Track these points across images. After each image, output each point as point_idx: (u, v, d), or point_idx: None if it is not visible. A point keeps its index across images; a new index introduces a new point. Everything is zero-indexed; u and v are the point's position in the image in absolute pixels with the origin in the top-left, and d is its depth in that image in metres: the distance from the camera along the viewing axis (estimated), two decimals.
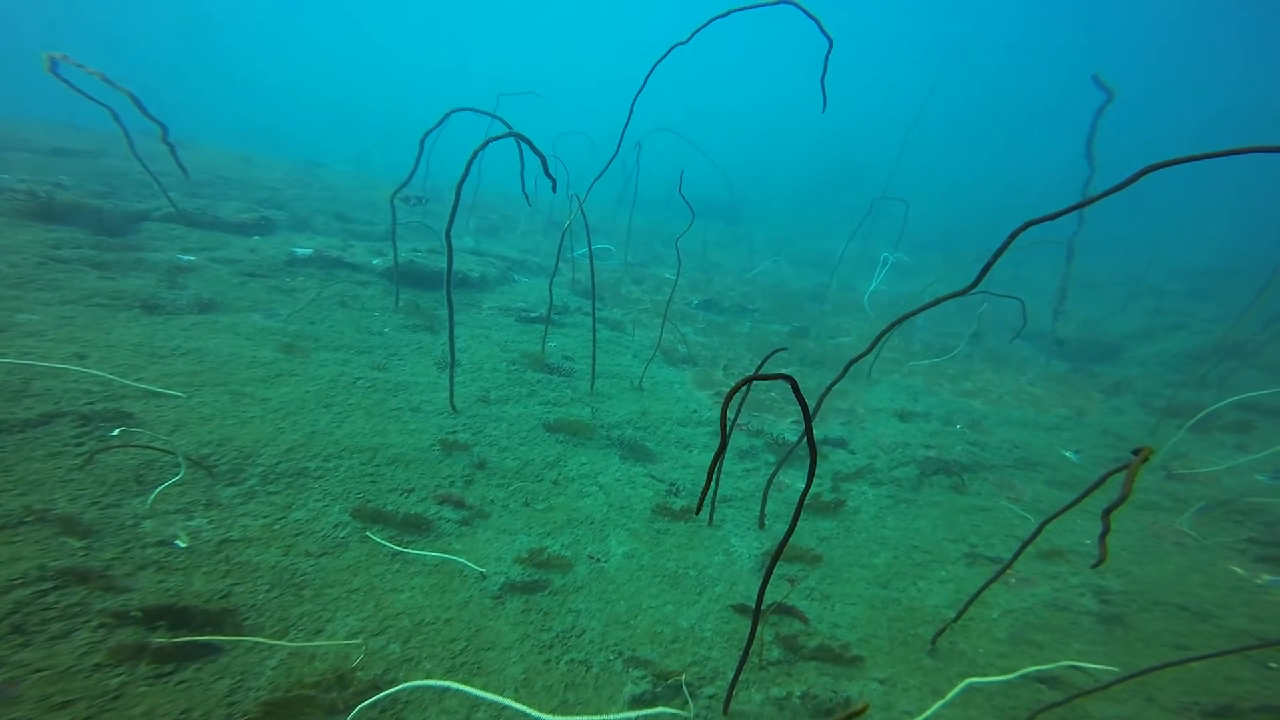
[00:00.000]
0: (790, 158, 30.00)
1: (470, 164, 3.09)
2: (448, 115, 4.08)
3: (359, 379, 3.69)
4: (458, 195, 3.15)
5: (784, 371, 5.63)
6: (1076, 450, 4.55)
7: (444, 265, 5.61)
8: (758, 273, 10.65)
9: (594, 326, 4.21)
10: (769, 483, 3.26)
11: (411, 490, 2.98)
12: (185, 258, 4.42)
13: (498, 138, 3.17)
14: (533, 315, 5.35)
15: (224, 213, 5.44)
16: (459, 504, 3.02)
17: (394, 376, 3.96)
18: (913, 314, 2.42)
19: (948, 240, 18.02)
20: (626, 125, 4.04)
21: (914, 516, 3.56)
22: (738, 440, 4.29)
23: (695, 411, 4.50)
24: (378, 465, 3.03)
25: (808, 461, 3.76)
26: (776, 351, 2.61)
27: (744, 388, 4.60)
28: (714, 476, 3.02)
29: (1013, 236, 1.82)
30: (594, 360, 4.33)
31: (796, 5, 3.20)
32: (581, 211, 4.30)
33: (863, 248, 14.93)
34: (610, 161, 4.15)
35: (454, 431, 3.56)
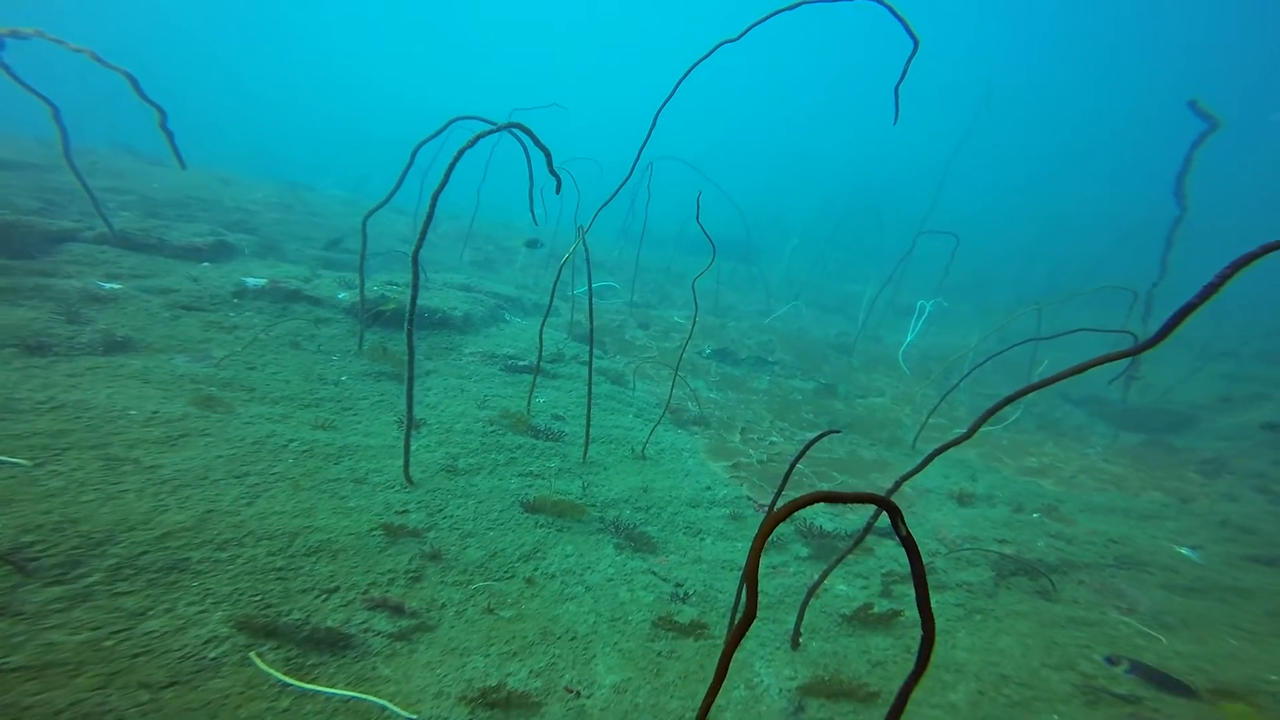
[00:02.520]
0: (806, 196, 30.40)
1: (452, 166, 2.69)
2: (449, 124, 3.75)
3: (292, 441, 3.16)
4: (432, 207, 2.73)
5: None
6: (1194, 546, 3.91)
7: (424, 301, 5.19)
8: (776, 318, 10.24)
9: (590, 381, 3.71)
10: (810, 593, 2.65)
11: (333, 591, 2.39)
12: (107, 286, 4.00)
13: (492, 130, 2.78)
14: (521, 364, 4.87)
15: (174, 235, 5.10)
16: (397, 610, 2.43)
17: (341, 438, 3.43)
18: (1030, 389, 1.89)
19: (978, 288, 17.74)
20: (646, 141, 3.69)
21: (995, 632, 2.91)
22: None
23: (708, 488, 3.92)
24: (293, 556, 2.46)
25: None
26: (825, 435, 2.07)
27: (771, 485, 4.04)
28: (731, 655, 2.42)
29: (1216, 286, 1.31)
30: (588, 421, 3.80)
31: (884, 4, 2.88)
32: (584, 244, 3.89)
33: (889, 294, 14.64)
34: (624, 183, 3.78)
35: (405, 510, 3.00)
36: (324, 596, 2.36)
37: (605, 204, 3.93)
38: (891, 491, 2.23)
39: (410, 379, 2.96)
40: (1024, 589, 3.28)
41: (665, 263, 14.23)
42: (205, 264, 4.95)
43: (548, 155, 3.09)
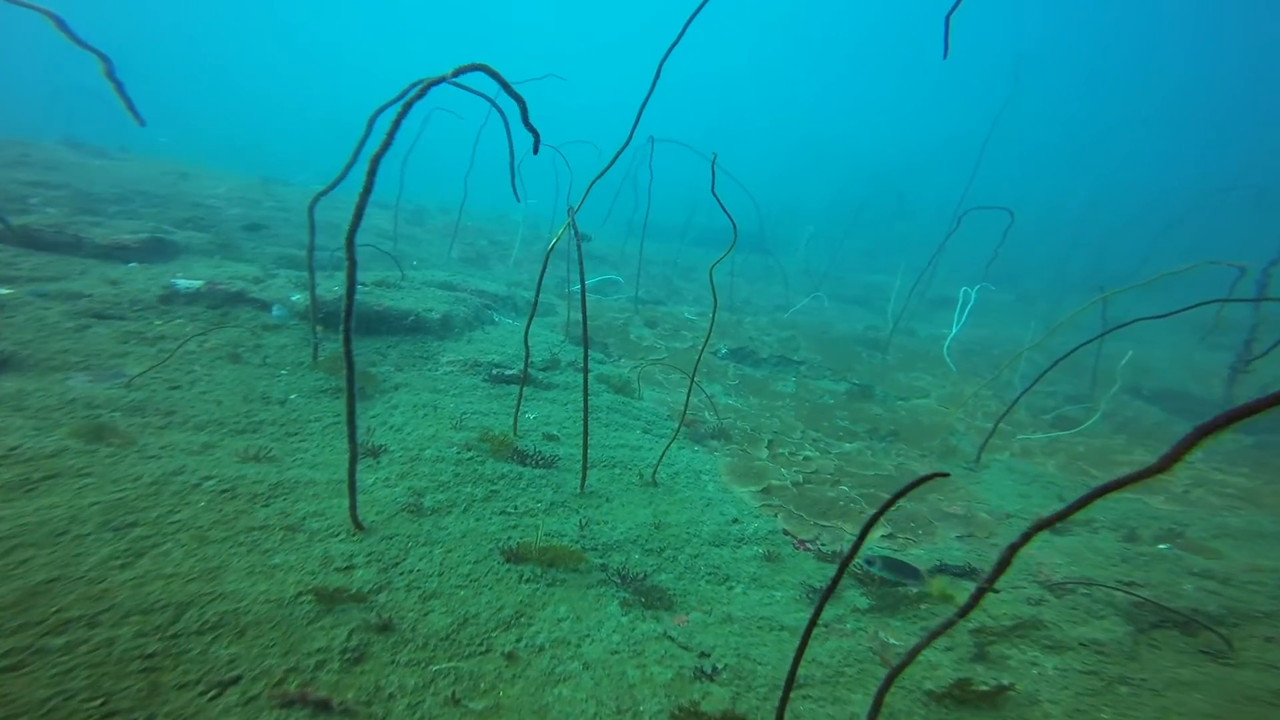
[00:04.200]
0: (821, 183, 29.72)
1: (398, 121, 2.12)
2: (415, 91, 3.19)
3: (209, 479, 2.60)
4: (370, 175, 2.15)
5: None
6: None
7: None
8: (796, 312, 9.62)
9: (585, 393, 3.14)
10: (892, 678, 2.04)
11: (230, 683, 1.83)
12: None
13: (448, 77, 2.21)
14: (509, 372, 4.30)
15: (98, 233, 4.58)
16: (320, 709, 1.86)
17: (277, 472, 2.87)
18: (1242, 415, 1.28)
19: (1012, 276, 16.99)
20: (647, 99, 3.10)
21: (1160, 714, 2.26)
22: (804, 567, 3.09)
23: (735, 521, 3.32)
24: (177, 637, 1.90)
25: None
26: (906, 493, 1.46)
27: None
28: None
29: None
30: (585, 443, 3.22)
31: None
32: (574, 226, 3.32)
33: (916, 282, 13.94)
34: (618, 154, 3.20)
35: (348, 567, 2.44)
36: (213, 693, 1.80)
37: (601, 174, 3.35)
38: (1020, 545, 1.62)
39: (350, 398, 2.39)
40: (1180, 648, 2.64)
41: (673, 255, 13.64)
42: (132, 265, 4.43)
43: (522, 106, 2.52)
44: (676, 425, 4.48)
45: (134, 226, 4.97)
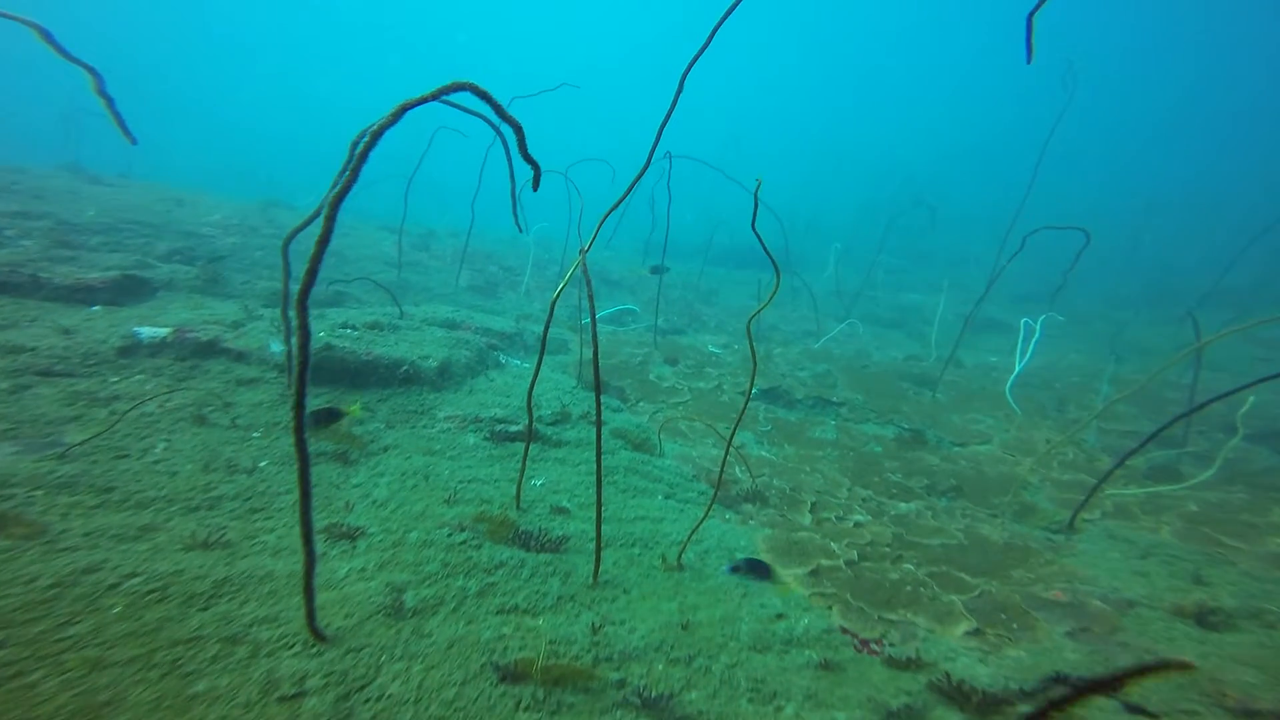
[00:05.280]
0: (846, 196, 29.29)
1: (365, 154, 1.76)
2: (401, 110, 2.87)
3: (134, 576, 2.20)
4: (329, 219, 1.78)
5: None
6: None
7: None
8: (829, 340, 9.11)
9: (599, 456, 2.69)
10: None
11: None
12: None
13: (433, 95, 1.85)
14: (514, 428, 3.88)
15: (61, 272, 4.31)
16: None
17: (228, 563, 2.47)
18: None
19: (1060, 293, 16.26)
20: (669, 114, 2.70)
21: None
22: (870, 677, 2.56)
23: (780, 616, 2.81)
24: None
25: None
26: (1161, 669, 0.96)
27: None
28: None
29: None
30: (599, 524, 2.76)
31: None
32: (584, 269, 2.92)
33: (959, 306, 13.31)
34: (635, 181, 2.80)
35: (297, 694, 2.00)
36: None
37: (615, 205, 2.96)
38: None
39: (303, 473, 1.97)
40: None
41: (693, 276, 13.27)
42: (95, 308, 4.15)
43: (518, 132, 2.13)
44: (706, 494, 4.01)
45: (110, 262, 4.73)
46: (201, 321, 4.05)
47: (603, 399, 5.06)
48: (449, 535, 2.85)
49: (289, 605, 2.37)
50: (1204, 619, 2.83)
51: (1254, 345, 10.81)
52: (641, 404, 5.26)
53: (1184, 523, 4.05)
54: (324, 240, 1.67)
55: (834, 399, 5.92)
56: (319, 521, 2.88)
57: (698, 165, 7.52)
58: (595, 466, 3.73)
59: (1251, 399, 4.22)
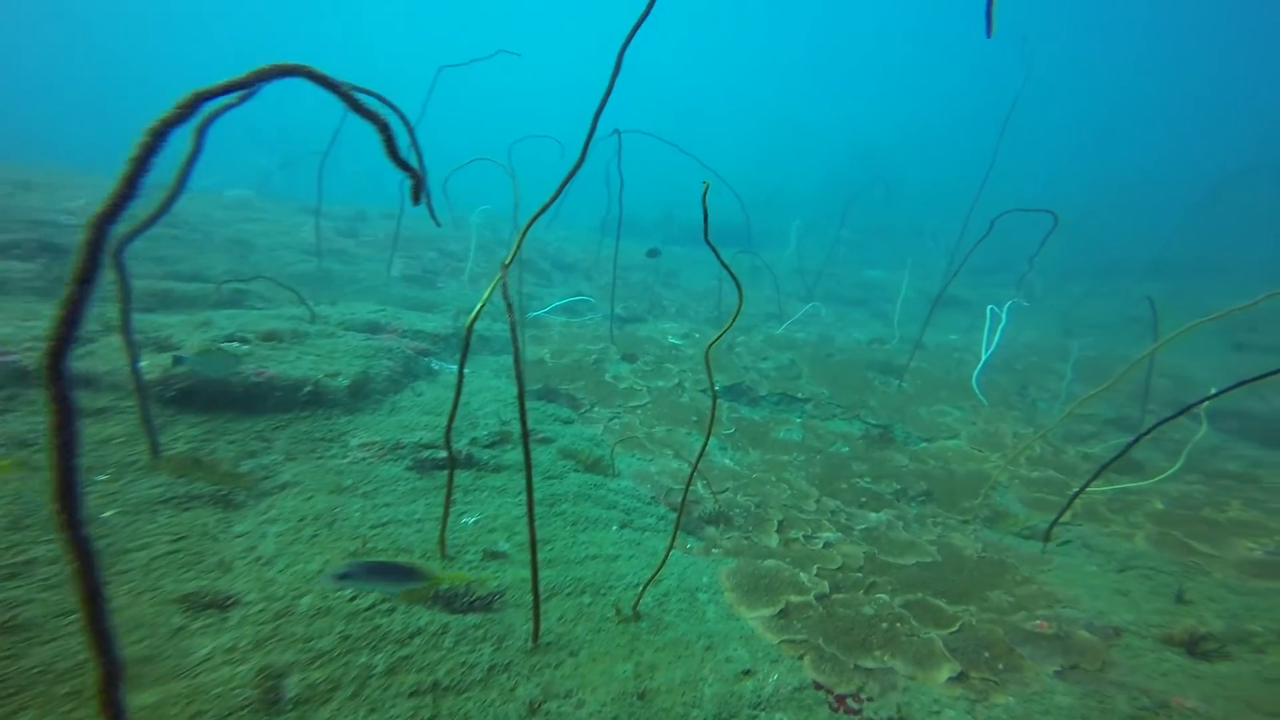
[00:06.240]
0: (807, 168, 29.08)
1: (149, 149, 1.24)
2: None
3: None
4: (93, 248, 1.28)
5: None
6: None
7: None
8: (794, 324, 8.85)
9: (529, 491, 2.27)
10: None
11: None
12: None
13: (259, 78, 1.36)
14: (444, 454, 3.40)
15: None
16: None
17: (14, 657, 1.95)
18: None
19: (1007, 266, 16.50)
20: (610, 88, 2.21)
21: None
22: None
23: (748, 673, 2.49)
24: None
25: None
26: None
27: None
28: None
29: None
30: (534, 568, 2.35)
31: None
32: (520, 239, 2.42)
33: (921, 283, 13.27)
34: (580, 162, 2.32)
35: None
36: None
37: (554, 198, 2.47)
38: None
39: (94, 622, 1.48)
40: None
41: (652, 259, 12.77)
42: None
43: (384, 130, 1.60)
44: (668, 519, 3.64)
45: None
46: (32, 337, 3.35)
47: (553, 408, 4.61)
48: (352, 599, 2.40)
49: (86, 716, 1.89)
50: (1195, 647, 2.66)
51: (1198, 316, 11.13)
52: (597, 409, 4.84)
53: (1154, 525, 3.94)
54: (83, 279, 1.16)
55: (799, 394, 5.65)
56: (183, 586, 2.37)
57: (657, 141, 7.00)
58: (535, 494, 3.30)
59: (1214, 394, 4.11)
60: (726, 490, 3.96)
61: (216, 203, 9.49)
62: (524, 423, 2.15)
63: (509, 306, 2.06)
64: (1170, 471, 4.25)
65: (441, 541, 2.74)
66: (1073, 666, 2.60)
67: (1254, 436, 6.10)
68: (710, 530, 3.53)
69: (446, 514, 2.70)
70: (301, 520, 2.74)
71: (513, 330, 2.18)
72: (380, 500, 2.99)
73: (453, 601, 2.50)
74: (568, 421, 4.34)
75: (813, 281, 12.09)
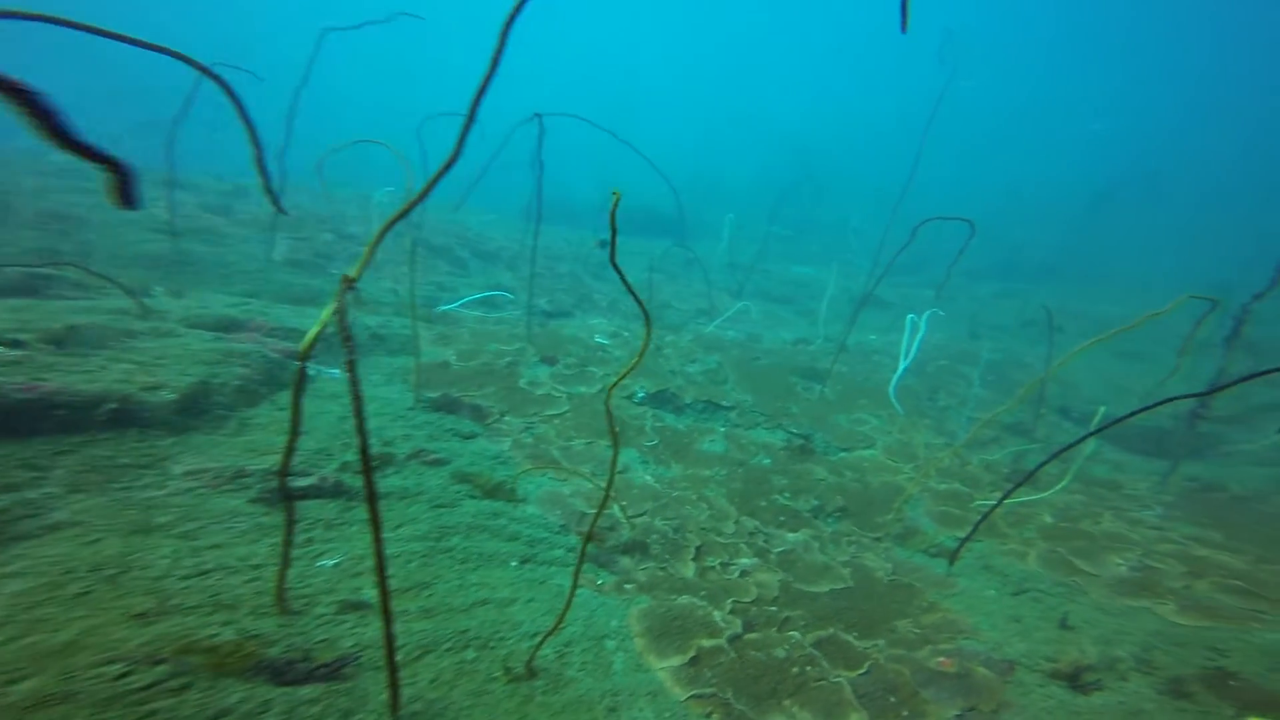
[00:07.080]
0: (745, 162, 29.34)
1: None
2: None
3: None
4: None
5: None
6: None
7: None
8: (724, 322, 8.76)
9: (379, 550, 1.91)
10: None
11: None
12: None
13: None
14: (304, 482, 2.91)
15: None
16: None
17: None
18: None
19: (920, 265, 17.36)
20: (498, 57, 1.83)
21: None
22: None
23: None
24: None
25: None
26: None
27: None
28: None
29: None
30: (388, 627, 1.99)
31: None
32: (341, 303, 1.99)
33: (845, 281, 13.64)
34: (458, 148, 1.93)
35: None
36: None
37: (447, 165, 2.06)
38: None
39: None
40: None
41: (584, 245, 12.33)
42: None
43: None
44: (578, 549, 3.34)
45: None
46: None
47: (452, 420, 4.19)
48: (121, 676, 1.91)
49: None
50: (1077, 679, 2.72)
51: (1086, 323, 12.05)
52: (507, 420, 4.46)
53: (1044, 541, 4.11)
54: None
55: (724, 402, 5.51)
56: None
57: (592, 127, 6.59)
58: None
59: (1104, 408, 4.32)
60: (645, 514, 3.73)
61: (35, 168, 8.03)
62: (365, 446, 1.77)
63: (346, 339, 1.67)
64: (1062, 485, 4.44)
65: (279, 591, 2.29)
66: (971, 709, 2.57)
67: (1119, 440, 6.62)
68: (624, 561, 3.29)
69: (286, 554, 2.25)
70: (66, 573, 2.18)
71: (350, 368, 1.78)
72: (205, 542, 2.48)
73: (285, 670, 2.09)
74: (469, 437, 3.93)
75: (744, 277, 12.09)
